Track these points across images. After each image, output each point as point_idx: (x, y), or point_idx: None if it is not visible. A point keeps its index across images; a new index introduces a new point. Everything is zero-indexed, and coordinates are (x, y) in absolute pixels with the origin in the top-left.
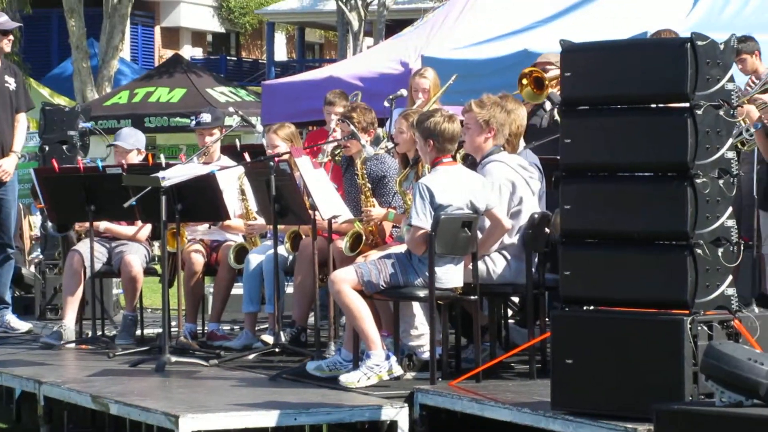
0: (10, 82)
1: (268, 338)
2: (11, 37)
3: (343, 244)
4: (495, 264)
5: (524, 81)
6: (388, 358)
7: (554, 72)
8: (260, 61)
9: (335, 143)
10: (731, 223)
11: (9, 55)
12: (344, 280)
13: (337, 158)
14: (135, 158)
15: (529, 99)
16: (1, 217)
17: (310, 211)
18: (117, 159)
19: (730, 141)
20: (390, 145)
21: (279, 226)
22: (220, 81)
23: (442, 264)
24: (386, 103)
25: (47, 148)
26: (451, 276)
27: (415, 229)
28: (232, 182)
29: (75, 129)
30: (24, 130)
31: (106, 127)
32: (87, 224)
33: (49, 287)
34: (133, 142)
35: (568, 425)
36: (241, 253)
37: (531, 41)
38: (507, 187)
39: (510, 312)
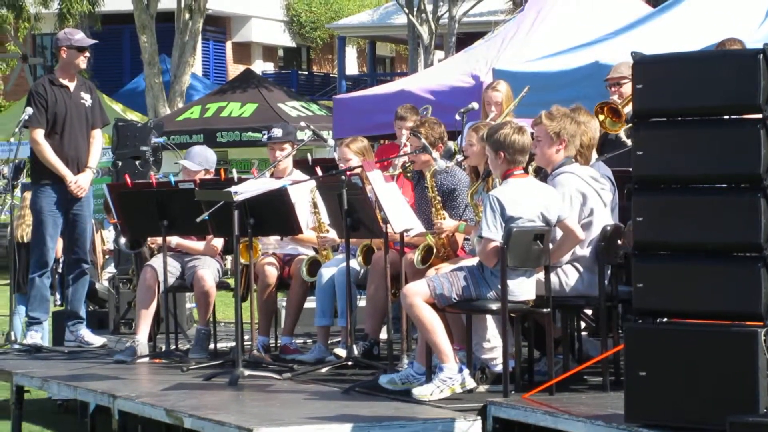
0: (86, 99)
1: (341, 352)
2: (87, 53)
3: (414, 257)
4: (567, 276)
5: (601, 116)
6: (460, 370)
7: (629, 86)
8: (331, 75)
9: (405, 157)
10: None
11: (81, 72)
12: (417, 293)
13: (408, 173)
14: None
15: (611, 128)
16: (76, 233)
17: (382, 225)
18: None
19: None
20: (460, 158)
21: (351, 240)
22: (291, 95)
23: (514, 277)
24: (457, 117)
25: (120, 164)
26: (523, 288)
27: (486, 242)
28: (305, 196)
29: (147, 144)
30: (99, 146)
31: (178, 142)
32: (159, 240)
33: (122, 302)
34: (200, 161)
35: None
36: (314, 266)
37: (602, 53)
38: (577, 198)
39: (583, 324)
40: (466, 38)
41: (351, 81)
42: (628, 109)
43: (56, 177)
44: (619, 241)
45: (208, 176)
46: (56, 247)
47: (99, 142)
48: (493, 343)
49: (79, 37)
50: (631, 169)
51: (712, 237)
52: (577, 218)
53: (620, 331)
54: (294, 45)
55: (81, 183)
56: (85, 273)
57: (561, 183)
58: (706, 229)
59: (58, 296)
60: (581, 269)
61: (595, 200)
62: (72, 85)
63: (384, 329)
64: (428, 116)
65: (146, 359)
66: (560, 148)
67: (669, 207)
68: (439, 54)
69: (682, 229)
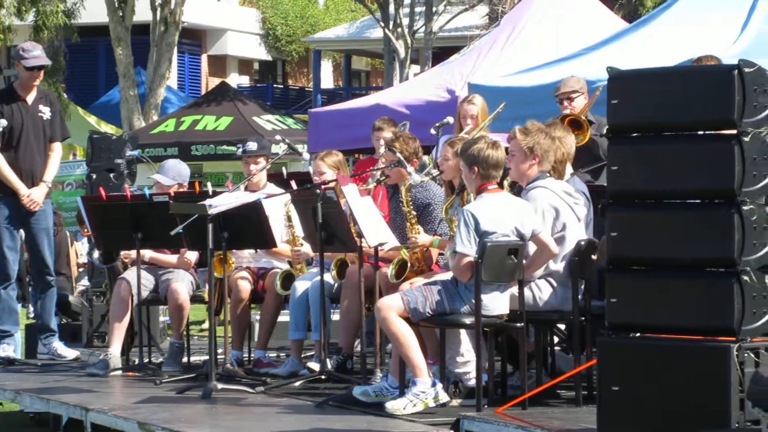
0: (45, 112)
1: (315, 365)
2: (38, 73)
3: (389, 271)
4: (541, 291)
5: None
6: (434, 385)
7: (580, 99)
8: (307, 89)
9: (381, 170)
10: None
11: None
12: (390, 307)
13: (382, 182)
14: None
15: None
16: (36, 246)
17: (357, 239)
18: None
19: None
20: (435, 172)
21: (325, 254)
22: (266, 109)
23: (488, 291)
24: (432, 131)
25: (94, 176)
26: (497, 303)
27: (460, 256)
28: (279, 209)
29: (122, 157)
30: (57, 159)
31: (153, 155)
32: (133, 254)
33: (96, 314)
34: (173, 175)
35: None
36: (288, 280)
37: (578, 68)
38: (550, 213)
39: (556, 339)
40: (442, 53)
41: (326, 95)
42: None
43: (9, 190)
44: (593, 256)
45: (181, 190)
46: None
47: (57, 155)
48: (466, 358)
49: (35, 54)
50: (605, 184)
51: (686, 252)
52: (550, 232)
53: (593, 346)
54: (269, 58)
55: (34, 197)
56: (51, 285)
57: (534, 197)
58: (680, 244)
59: (31, 308)
60: (555, 284)
61: (567, 215)
62: (30, 98)
63: (357, 343)
64: (405, 131)
65: (119, 372)
66: (534, 163)
67: (643, 222)
68: (415, 68)
69: (657, 243)
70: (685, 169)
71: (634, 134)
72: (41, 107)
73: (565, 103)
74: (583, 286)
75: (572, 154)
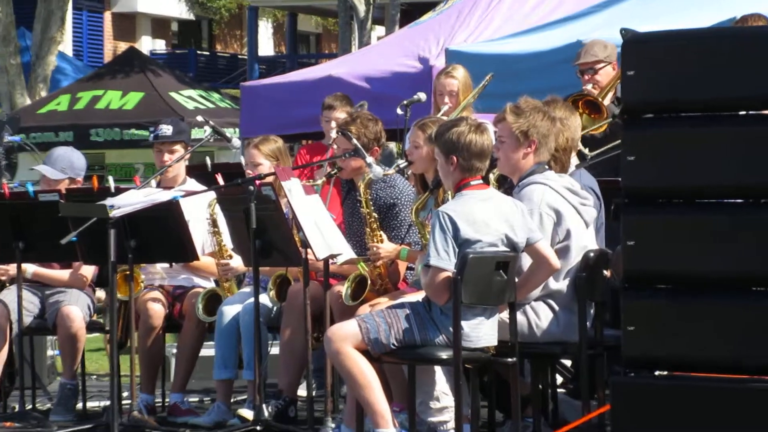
0: None
1: (247, 413)
2: None
3: (343, 290)
4: (539, 316)
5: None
6: None
7: (607, 71)
8: (240, 56)
9: (333, 161)
10: None
11: None
12: (345, 337)
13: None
14: None
15: (592, 128)
16: None
17: (301, 249)
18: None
19: None
20: (403, 163)
21: (261, 269)
22: (186, 82)
23: (470, 317)
24: (400, 111)
25: None
26: (482, 332)
27: (435, 272)
28: (202, 211)
29: (0, 144)
30: None
31: (40, 141)
32: (12, 269)
33: None
34: (63, 167)
35: None
36: (213, 302)
37: (585, 30)
38: (549, 216)
39: (559, 378)
40: (413, 10)
41: (265, 64)
42: (609, 100)
43: None
44: (605, 272)
45: (75, 186)
46: None
47: None
48: (443, 403)
49: None
50: (619, 179)
51: (725, 266)
52: (550, 241)
53: (606, 388)
54: (192, 17)
55: None
56: None
57: (528, 197)
58: (717, 255)
59: None
60: (556, 308)
61: (572, 219)
62: None
63: (303, 384)
64: (362, 111)
65: None
66: (529, 151)
67: (669, 227)
68: (379, 30)
69: (687, 255)
70: (724, 159)
71: (656, 115)
72: None
73: (586, 77)
74: (592, 311)
75: (578, 139)
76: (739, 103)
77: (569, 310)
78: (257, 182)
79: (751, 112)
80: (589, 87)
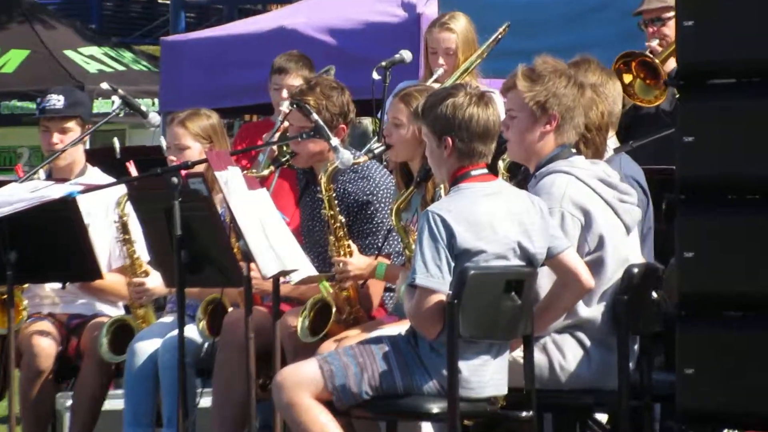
0: None
1: None
2: None
3: (299, 321)
4: (564, 355)
5: (627, 77)
6: None
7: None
8: (160, 1)
9: (285, 143)
10: None
11: None
12: (301, 383)
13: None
14: None
15: (644, 98)
16: None
17: (243, 264)
18: None
19: None
20: (379, 147)
21: (188, 290)
22: (87, 36)
23: (471, 355)
24: (376, 75)
25: None
26: (486, 376)
27: (423, 294)
28: (107, 212)
29: None
30: None
31: None
32: None
33: None
34: None
35: None
36: (122, 336)
37: None
38: (575, 218)
39: None
40: None
41: (194, 11)
42: (673, 64)
43: None
44: (654, 294)
45: None
46: None
47: None
48: None
49: None
50: (673, 168)
51: None
52: (577, 251)
53: None
54: None
55: None
56: None
57: (548, 190)
58: None
59: None
60: (588, 343)
61: (608, 221)
62: None
63: None
64: (325, 77)
65: None
66: (548, 129)
67: (741, 233)
68: None
69: (765, 271)
70: None
71: (725, 81)
72: None
73: (651, 29)
74: (636, 347)
75: (616, 113)
76: None
77: (605, 347)
78: (183, 172)
79: None
80: (654, 43)
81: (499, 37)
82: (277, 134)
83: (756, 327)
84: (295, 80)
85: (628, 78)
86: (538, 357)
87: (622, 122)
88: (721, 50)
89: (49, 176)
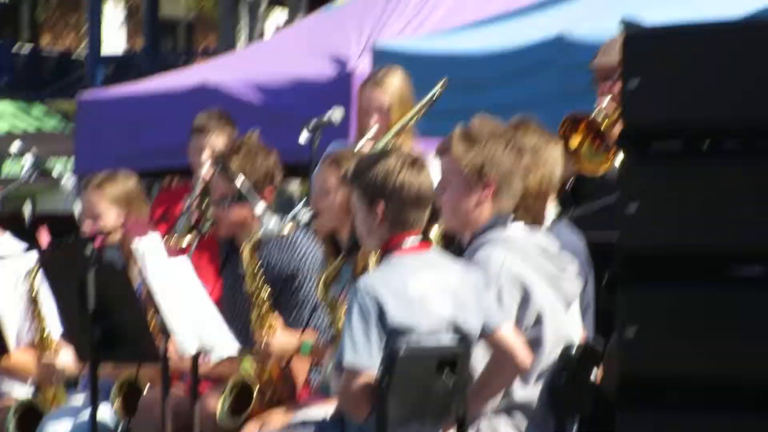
0: None
1: None
2: None
3: (219, 403)
4: None
5: (573, 139)
6: None
7: None
8: (74, 55)
9: (205, 209)
10: None
11: None
12: None
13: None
14: None
15: (592, 164)
16: None
17: (159, 340)
18: None
19: None
20: (306, 214)
21: (102, 368)
22: None
23: None
24: (305, 137)
25: None
26: None
27: (351, 374)
28: (16, 284)
29: None
30: None
31: None
32: None
33: None
34: None
35: None
36: (30, 419)
37: (570, 20)
38: (513, 292)
39: None
40: None
41: (113, 65)
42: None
43: None
44: (595, 372)
45: None
46: None
47: None
48: None
49: None
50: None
51: None
52: (515, 327)
53: None
54: None
55: None
56: None
57: (484, 263)
58: (763, 351)
59: None
60: (524, 425)
61: (547, 296)
62: None
63: None
64: (250, 138)
65: None
66: (485, 196)
67: (688, 310)
68: (278, 16)
69: (716, 351)
70: None
71: (671, 143)
72: None
73: (604, 86)
74: (575, 429)
75: (556, 179)
76: None
77: (542, 429)
78: (98, 240)
79: None
80: (605, 102)
81: (436, 94)
82: (197, 198)
83: (700, 412)
84: (216, 140)
85: (575, 141)
86: None
87: (565, 188)
88: (669, 111)
89: None
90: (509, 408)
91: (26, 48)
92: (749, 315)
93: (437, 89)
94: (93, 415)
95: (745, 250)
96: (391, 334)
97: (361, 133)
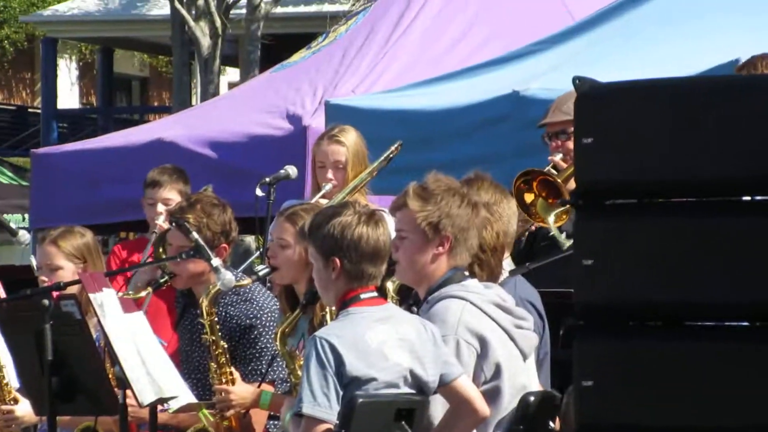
0: None
1: None
2: None
3: None
4: None
5: (527, 196)
6: None
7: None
8: (30, 109)
9: (162, 263)
10: None
11: None
12: None
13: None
14: None
15: (545, 218)
16: None
17: (118, 391)
18: None
19: None
20: (264, 269)
21: (60, 418)
22: None
23: None
24: (260, 192)
25: None
26: None
27: (310, 423)
28: None
29: None
30: None
31: None
32: None
33: None
34: None
35: None
36: None
37: (523, 77)
38: (471, 346)
39: None
40: (279, 46)
41: (66, 121)
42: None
43: None
44: (552, 424)
45: None
46: None
47: None
48: None
49: None
50: (571, 291)
51: (733, 420)
52: (472, 379)
53: None
54: None
55: None
56: None
57: (442, 317)
58: (719, 404)
59: None
60: None
61: (504, 348)
62: None
63: None
64: (206, 193)
65: None
66: (441, 251)
67: (644, 363)
68: (231, 74)
69: (673, 404)
70: (729, 266)
71: (625, 201)
72: None
73: (555, 143)
74: None
75: (511, 233)
76: (744, 185)
77: None
78: (55, 294)
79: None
80: (557, 158)
81: (391, 156)
82: (150, 253)
83: None
84: (170, 193)
85: (529, 197)
86: None
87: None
88: (622, 169)
89: None
90: None
91: None
92: (702, 365)
93: (391, 151)
94: None
95: (698, 303)
96: (349, 385)
97: (316, 189)
